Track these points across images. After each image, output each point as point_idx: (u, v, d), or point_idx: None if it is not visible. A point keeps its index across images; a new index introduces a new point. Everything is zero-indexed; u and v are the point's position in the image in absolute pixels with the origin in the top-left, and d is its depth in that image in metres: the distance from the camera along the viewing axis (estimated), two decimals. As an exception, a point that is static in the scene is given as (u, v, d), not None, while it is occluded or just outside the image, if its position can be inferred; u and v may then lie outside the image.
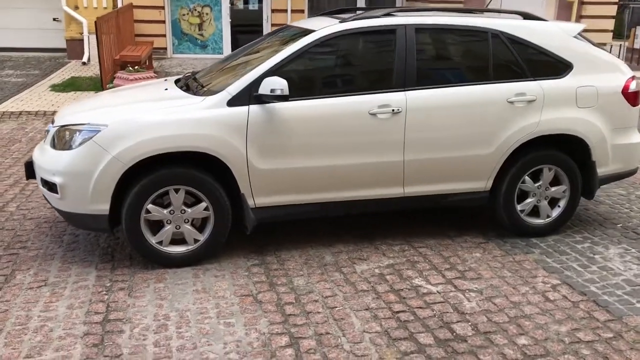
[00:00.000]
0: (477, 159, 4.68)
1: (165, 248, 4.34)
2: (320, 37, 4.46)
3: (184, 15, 14.24)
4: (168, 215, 4.28)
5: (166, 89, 4.76)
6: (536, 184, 4.89)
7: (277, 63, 4.35)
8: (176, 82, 4.97)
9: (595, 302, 4.00)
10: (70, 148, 4.20)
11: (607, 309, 3.91)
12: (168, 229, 4.31)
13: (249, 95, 4.25)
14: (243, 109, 4.24)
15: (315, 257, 4.58)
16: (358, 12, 5.13)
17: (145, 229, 4.27)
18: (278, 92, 4.12)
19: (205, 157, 4.24)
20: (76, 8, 13.66)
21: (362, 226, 5.13)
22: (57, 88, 10.89)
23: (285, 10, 14.17)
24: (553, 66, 4.82)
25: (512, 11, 5.18)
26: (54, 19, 14.46)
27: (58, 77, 12.03)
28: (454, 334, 3.61)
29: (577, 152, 4.93)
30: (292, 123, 4.32)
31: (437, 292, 4.10)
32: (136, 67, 10.71)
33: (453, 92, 4.60)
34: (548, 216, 5.00)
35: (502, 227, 5.03)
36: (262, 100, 4.22)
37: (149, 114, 4.26)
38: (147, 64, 12.37)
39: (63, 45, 14.08)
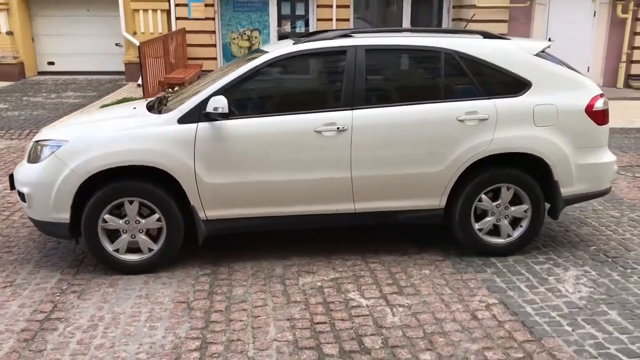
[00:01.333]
0: (428, 176, 4.72)
1: (121, 256, 4.65)
2: (271, 59, 4.67)
3: (234, 39, 14.83)
4: (124, 225, 4.59)
5: (134, 108, 5.12)
6: (495, 203, 4.86)
7: (228, 83, 4.60)
8: (149, 102, 5.32)
9: (523, 322, 3.94)
10: (38, 161, 4.61)
11: (531, 330, 3.84)
12: (124, 238, 4.62)
13: (199, 113, 4.52)
14: (192, 126, 4.52)
15: (266, 269, 4.75)
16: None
17: (103, 237, 4.60)
18: (220, 110, 4.38)
19: (157, 171, 4.53)
20: (134, 34, 14.55)
21: (324, 240, 5.26)
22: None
23: (330, 20, 14.43)
24: (509, 84, 4.79)
25: (473, 31, 5.20)
26: (117, 44, 15.44)
27: (111, 98, 12.84)
28: (362, 346, 3.68)
29: (539, 171, 4.86)
30: (239, 140, 4.55)
31: (366, 305, 4.17)
32: (176, 88, 11.28)
33: (400, 111, 4.67)
34: (509, 236, 4.94)
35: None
36: (209, 117, 4.47)
37: (105, 131, 4.62)
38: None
39: (123, 68, 14.99)
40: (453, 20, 14.59)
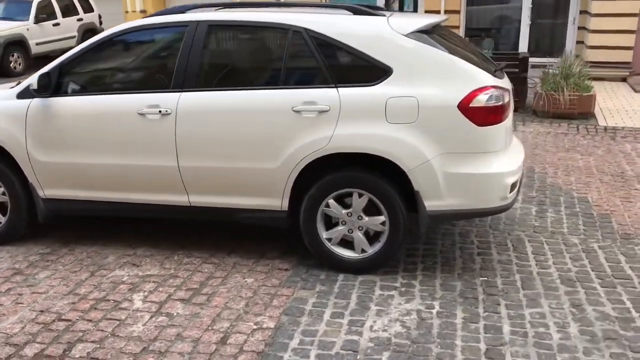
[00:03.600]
0: (262, 173, 4.11)
1: (-29, 228, 4.75)
2: (110, 34, 4.39)
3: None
4: (-20, 196, 4.69)
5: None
6: (345, 211, 4.09)
7: (66, 58, 4.43)
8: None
9: (260, 354, 3.27)
10: None
11: (260, 367, 3.18)
12: (-29, 210, 4.72)
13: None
14: (25, 102, 4.43)
15: (99, 256, 4.53)
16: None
17: (-41, 208, 4.74)
18: (32, 87, 4.24)
19: (-2, 146, 4.53)
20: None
21: (194, 232, 4.87)
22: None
23: (439, 11, 13.43)
24: (365, 71, 3.95)
25: (344, 6, 4.33)
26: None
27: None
28: (65, 352, 3.32)
29: (402, 179, 3.99)
30: (64, 118, 4.36)
31: (133, 310, 3.77)
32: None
33: (232, 96, 4.10)
34: (364, 251, 4.14)
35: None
36: (33, 94, 4.36)
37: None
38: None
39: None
40: None
